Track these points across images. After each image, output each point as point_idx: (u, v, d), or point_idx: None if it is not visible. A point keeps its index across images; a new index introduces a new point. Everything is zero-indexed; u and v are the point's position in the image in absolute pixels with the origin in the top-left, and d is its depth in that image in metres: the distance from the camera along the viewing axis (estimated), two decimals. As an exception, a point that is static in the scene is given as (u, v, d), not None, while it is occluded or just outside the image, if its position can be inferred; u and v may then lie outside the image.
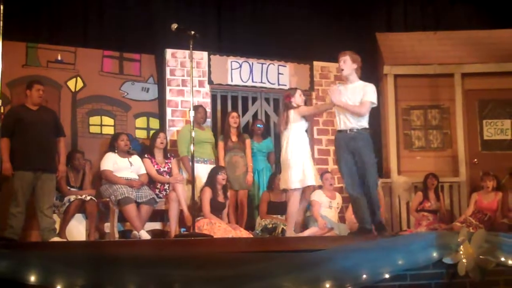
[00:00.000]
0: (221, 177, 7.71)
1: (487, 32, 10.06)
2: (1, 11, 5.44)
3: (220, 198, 7.73)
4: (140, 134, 8.80)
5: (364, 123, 6.33)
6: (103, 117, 8.63)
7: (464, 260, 5.13)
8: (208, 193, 7.58)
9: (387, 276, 4.95)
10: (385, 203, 9.15)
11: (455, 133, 9.73)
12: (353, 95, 6.36)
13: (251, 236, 7.46)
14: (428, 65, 9.82)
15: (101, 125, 8.62)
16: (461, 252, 5.15)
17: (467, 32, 10.06)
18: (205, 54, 9.06)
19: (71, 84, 8.51)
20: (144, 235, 7.18)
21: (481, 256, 5.15)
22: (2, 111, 5.93)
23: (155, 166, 7.95)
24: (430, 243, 5.17)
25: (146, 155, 8.00)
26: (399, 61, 9.90)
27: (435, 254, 5.12)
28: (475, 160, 9.70)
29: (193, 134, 6.31)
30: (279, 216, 8.05)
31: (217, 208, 7.65)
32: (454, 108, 9.78)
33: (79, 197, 7.35)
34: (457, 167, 9.63)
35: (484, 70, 9.69)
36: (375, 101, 6.36)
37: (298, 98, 7.00)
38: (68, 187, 7.53)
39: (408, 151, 9.86)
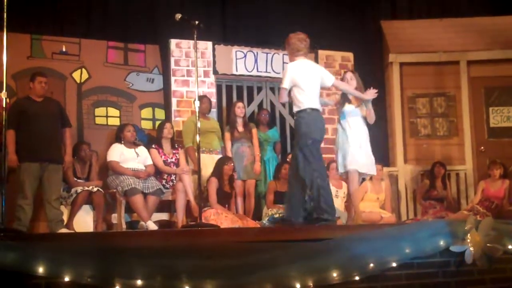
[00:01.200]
0: (228, 168, 7.70)
1: (492, 18, 10.02)
2: (5, 3, 5.43)
3: (227, 188, 7.74)
4: (146, 125, 8.81)
5: (297, 106, 6.20)
6: (108, 108, 8.65)
7: (471, 248, 5.11)
8: (214, 184, 7.58)
9: (394, 264, 4.94)
10: (392, 191, 9.15)
11: (461, 121, 9.71)
12: None
13: (258, 226, 7.47)
14: (433, 53, 9.80)
15: (107, 116, 8.64)
16: (468, 240, 5.13)
17: (472, 19, 10.02)
18: (209, 44, 9.06)
19: (76, 75, 8.52)
20: (151, 226, 7.20)
21: (488, 244, 5.13)
22: (8, 101, 5.93)
23: (163, 156, 7.96)
24: (437, 231, 5.15)
25: (153, 146, 8.01)
26: (404, 49, 9.87)
27: (442, 243, 5.11)
28: (482, 148, 9.69)
29: (198, 124, 6.30)
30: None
31: (223, 198, 7.66)
32: (460, 96, 9.76)
33: (86, 188, 7.37)
34: (463, 155, 9.62)
35: (490, 57, 9.67)
36: (283, 84, 6.20)
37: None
38: (75, 179, 7.55)
39: (414, 139, 9.85)
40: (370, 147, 6.88)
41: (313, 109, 6.15)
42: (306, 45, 6.35)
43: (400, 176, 9.55)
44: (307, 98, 6.15)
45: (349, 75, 6.98)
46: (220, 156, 8.11)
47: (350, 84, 6.84)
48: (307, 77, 6.21)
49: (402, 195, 9.54)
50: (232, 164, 7.82)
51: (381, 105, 10.17)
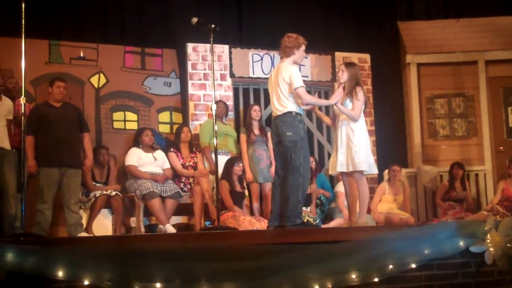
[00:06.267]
0: (237, 168, 7.64)
1: (510, 18, 9.94)
2: (24, 9, 5.49)
3: (238, 188, 7.68)
4: (164, 129, 8.84)
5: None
6: (126, 112, 8.69)
7: (491, 249, 5.09)
8: (225, 186, 7.52)
9: (413, 265, 4.93)
10: (411, 192, 9.11)
11: (480, 121, 9.65)
12: None
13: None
14: (451, 53, 9.75)
15: (125, 121, 8.67)
16: (488, 241, 5.10)
17: (490, 18, 9.95)
18: (226, 47, 9.07)
19: (94, 80, 8.57)
20: (170, 229, 7.22)
21: (508, 244, 5.10)
22: (27, 107, 5.97)
23: (181, 160, 7.99)
24: (457, 232, 5.13)
25: (172, 149, 8.04)
26: (422, 50, 9.83)
27: (461, 243, 5.08)
28: (501, 147, 9.62)
29: (215, 128, 6.30)
30: (303, 208, 8.02)
31: (236, 198, 7.60)
32: (478, 96, 9.70)
33: (105, 192, 7.41)
34: (482, 155, 9.56)
35: (508, 57, 9.61)
36: (301, 83, 6.24)
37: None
38: (94, 183, 7.59)
39: (432, 140, 9.81)
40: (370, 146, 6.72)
41: None
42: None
43: (419, 177, 9.50)
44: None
45: (342, 67, 6.67)
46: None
47: (341, 77, 6.59)
48: None
49: (421, 196, 9.49)
50: (241, 164, 7.79)
51: (399, 106, 10.16)
